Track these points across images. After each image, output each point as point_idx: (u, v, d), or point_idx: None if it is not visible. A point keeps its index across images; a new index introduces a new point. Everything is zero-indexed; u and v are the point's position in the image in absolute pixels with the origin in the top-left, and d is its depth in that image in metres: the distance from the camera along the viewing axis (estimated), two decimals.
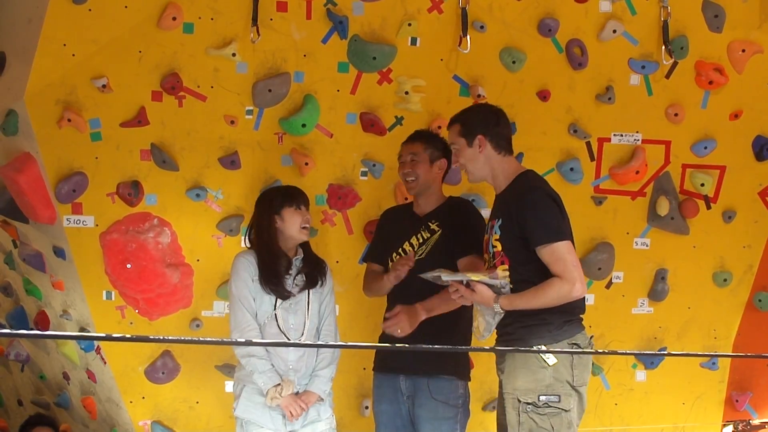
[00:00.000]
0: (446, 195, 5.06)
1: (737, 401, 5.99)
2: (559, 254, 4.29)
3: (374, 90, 5.32)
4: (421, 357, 4.77)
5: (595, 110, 5.54)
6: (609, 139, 5.58)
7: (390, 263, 4.96)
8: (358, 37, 5.23)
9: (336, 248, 5.39)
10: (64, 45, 4.94)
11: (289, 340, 4.74)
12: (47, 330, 5.57)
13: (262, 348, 4.70)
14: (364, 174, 5.39)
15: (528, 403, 4.31)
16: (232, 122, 5.20)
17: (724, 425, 6.03)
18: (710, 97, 5.63)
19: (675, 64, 5.54)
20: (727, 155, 5.71)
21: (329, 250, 5.32)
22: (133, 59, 5.04)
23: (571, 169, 5.53)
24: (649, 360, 5.79)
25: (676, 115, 5.59)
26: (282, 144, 5.28)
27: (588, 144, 5.57)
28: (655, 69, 5.53)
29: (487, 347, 4.67)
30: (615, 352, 5.89)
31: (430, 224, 4.94)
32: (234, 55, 5.12)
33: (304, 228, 4.81)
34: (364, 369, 5.33)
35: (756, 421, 6.04)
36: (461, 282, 4.41)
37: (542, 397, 4.30)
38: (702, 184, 5.68)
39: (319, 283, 4.85)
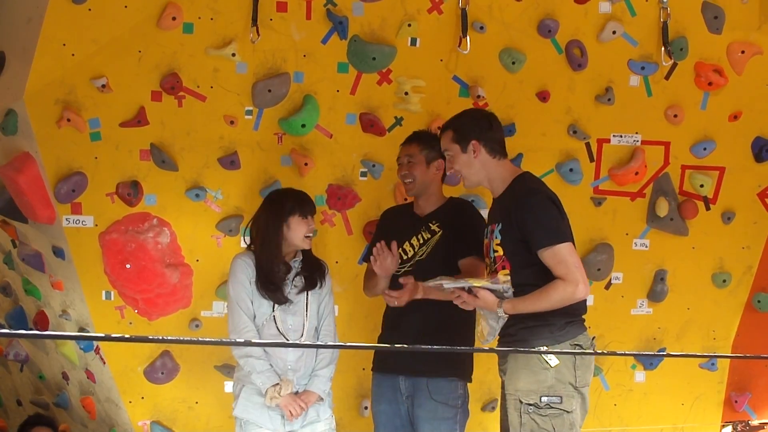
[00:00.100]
0: (447, 196, 5.06)
1: (736, 402, 6.00)
2: (561, 256, 4.29)
3: (374, 90, 5.32)
4: (420, 357, 4.77)
5: (595, 111, 5.54)
6: (608, 140, 5.58)
7: None
8: (358, 37, 5.23)
9: (335, 249, 5.39)
10: (64, 45, 4.94)
11: (287, 341, 4.74)
12: (46, 330, 5.57)
13: (260, 348, 4.70)
14: (363, 174, 5.39)
15: (530, 405, 4.31)
16: (232, 122, 5.20)
17: (723, 426, 6.03)
18: (710, 99, 5.63)
19: (674, 65, 5.54)
20: (727, 156, 5.71)
21: (328, 250, 5.32)
22: (133, 59, 5.04)
23: (571, 169, 5.53)
24: (649, 361, 5.79)
25: (675, 116, 5.60)
26: (281, 144, 5.28)
27: (587, 145, 5.57)
28: (654, 70, 5.53)
29: (487, 348, 4.67)
30: (614, 353, 5.89)
31: (430, 225, 4.94)
32: (234, 55, 5.12)
33: (307, 237, 4.81)
34: (363, 369, 5.33)
35: (755, 422, 6.04)
36: (464, 288, 4.41)
37: (544, 398, 4.30)
38: (701, 185, 5.69)
39: (318, 284, 4.85)
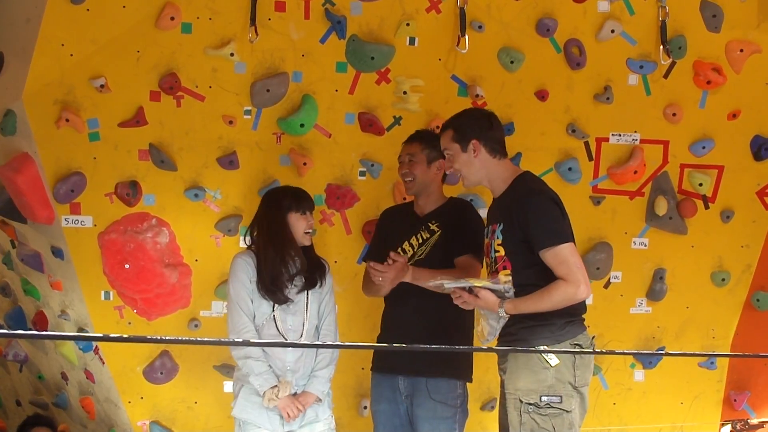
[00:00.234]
0: (447, 195, 5.06)
1: (735, 401, 5.99)
2: (562, 257, 4.29)
3: (372, 90, 5.31)
4: (419, 357, 4.77)
5: (594, 110, 5.54)
6: (607, 139, 5.58)
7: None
8: (357, 37, 5.23)
9: (334, 248, 5.39)
10: (63, 45, 4.94)
11: (286, 341, 4.73)
12: (45, 330, 5.57)
13: (259, 349, 4.70)
14: (362, 174, 5.39)
15: (530, 404, 4.32)
16: (231, 122, 5.20)
17: (722, 425, 6.03)
18: (708, 97, 5.63)
19: (673, 63, 5.54)
20: (726, 155, 5.71)
21: (328, 250, 5.32)
22: (132, 59, 5.04)
23: (570, 168, 5.53)
24: (648, 360, 5.79)
25: (674, 114, 5.60)
26: (280, 144, 5.27)
27: (586, 144, 5.57)
28: (653, 69, 5.53)
29: (487, 347, 4.67)
30: (613, 352, 5.89)
31: (430, 224, 4.93)
32: (232, 55, 5.12)
33: (307, 233, 4.81)
34: (363, 369, 5.33)
35: (754, 421, 6.04)
36: (464, 288, 4.41)
37: (544, 398, 4.31)
38: (700, 184, 5.69)
39: (319, 283, 4.84)
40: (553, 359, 4.30)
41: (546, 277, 4.32)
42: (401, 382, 4.92)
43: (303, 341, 4.79)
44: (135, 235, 5.13)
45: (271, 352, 4.71)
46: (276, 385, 4.67)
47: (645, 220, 5.70)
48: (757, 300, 5.88)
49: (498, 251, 4.43)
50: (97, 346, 5.31)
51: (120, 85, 5.04)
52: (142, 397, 5.33)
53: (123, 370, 5.30)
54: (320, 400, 4.78)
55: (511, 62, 5.38)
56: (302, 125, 5.23)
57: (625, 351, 5.76)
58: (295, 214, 4.78)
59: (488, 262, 4.56)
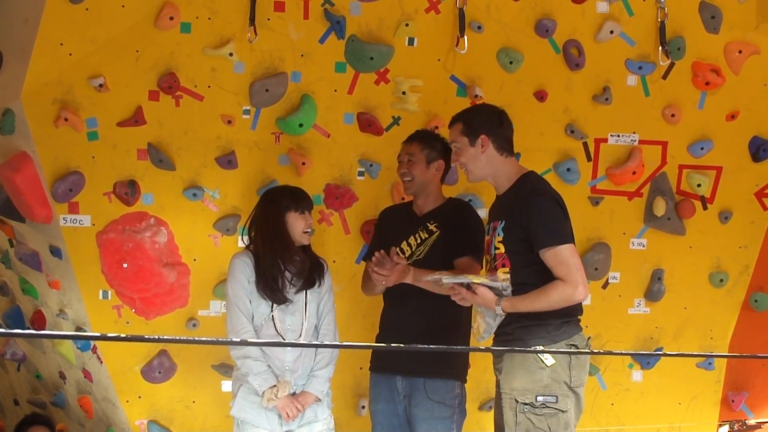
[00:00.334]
0: (446, 196, 5.06)
1: (733, 401, 6.00)
2: (562, 257, 4.29)
3: (371, 90, 5.32)
4: (417, 357, 4.78)
5: (592, 111, 5.54)
6: (606, 140, 5.58)
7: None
8: (356, 37, 5.23)
9: (333, 248, 5.39)
10: (61, 44, 4.94)
11: (285, 341, 4.73)
12: (43, 329, 5.57)
13: (258, 349, 4.70)
14: (361, 174, 5.39)
15: (525, 404, 4.32)
16: (229, 122, 5.20)
17: (720, 425, 6.03)
18: (707, 98, 5.63)
19: (672, 64, 5.55)
20: (724, 156, 5.71)
21: (326, 249, 5.32)
22: (131, 59, 5.04)
23: (568, 169, 5.53)
24: (646, 360, 5.79)
25: (672, 115, 5.60)
26: (279, 144, 5.28)
27: (585, 144, 5.57)
28: (652, 70, 5.54)
29: (484, 347, 4.67)
30: (611, 353, 5.89)
31: (428, 224, 4.94)
32: (231, 54, 5.12)
33: (305, 233, 4.81)
34: (361, 368, 5.33)
35: (752, 421, 6.04)
36: (462, 284, 4.42)
37: (539, 398, 4.31)
38: (698, 185, 5.69)
39: (317, 283, 4.84)
40: (548, 359, 4.31)
41: (544, 277, 4.32)
42: (399, 381, 4.92)
43: (302, 341, 4.79)
44: (133, 235, 5.13)
45: (269, 352, 4.71)
46: (275, 385, 4.67)
47: (643, 220, 5.71)
48: (755, 301, 5.89)
49: (498, 248, 4.43)
50: (95, 345, 5.31)
51: (119, 85, 5.04)
52: (140, 397, 5.33)
53: (121, 370, 5.30)
54: (319, 399, 4.78)
55: (510, 63, 5.38)
56: (301, 125, 5.24)
57: (623, 351, 5.76)
58: (294, 213, 4.78)
59: (488, 259, 4.56)
